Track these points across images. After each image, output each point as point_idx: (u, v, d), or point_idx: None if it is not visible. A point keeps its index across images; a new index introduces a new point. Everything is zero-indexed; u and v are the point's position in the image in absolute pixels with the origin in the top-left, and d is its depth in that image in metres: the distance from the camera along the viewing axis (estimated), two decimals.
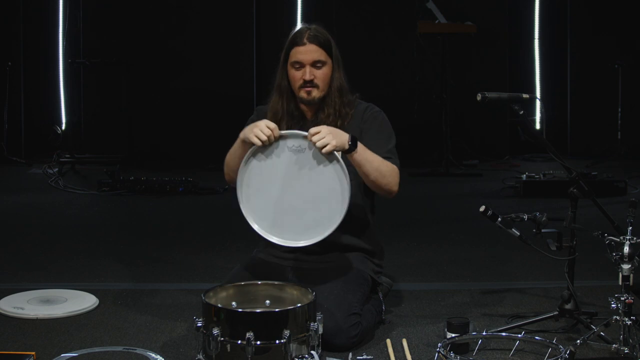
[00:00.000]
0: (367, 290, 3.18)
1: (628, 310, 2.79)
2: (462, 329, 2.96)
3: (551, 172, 6.46)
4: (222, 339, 2.56)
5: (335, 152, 2.87)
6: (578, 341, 2.85)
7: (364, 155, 2.99)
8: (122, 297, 3.65)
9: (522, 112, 3.09)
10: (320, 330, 2.68)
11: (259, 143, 2.90)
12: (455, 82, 7.78)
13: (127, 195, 6.46)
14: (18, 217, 5.78)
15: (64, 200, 6.36)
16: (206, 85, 8.25)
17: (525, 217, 3.06)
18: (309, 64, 3.11)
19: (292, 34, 3.17)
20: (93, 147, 8.24)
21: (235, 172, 3.00)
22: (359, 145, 2.97)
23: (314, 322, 2.66)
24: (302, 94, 3.14)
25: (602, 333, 2.88)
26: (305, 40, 3.11)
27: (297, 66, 3.13)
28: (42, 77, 8.46)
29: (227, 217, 5.47)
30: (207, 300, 2.69)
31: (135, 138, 8.21)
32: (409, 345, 3.00)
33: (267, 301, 2.87)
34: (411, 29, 7.80)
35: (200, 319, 2.64)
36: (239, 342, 2.54)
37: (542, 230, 3.04)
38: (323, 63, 3.13)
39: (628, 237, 2.86)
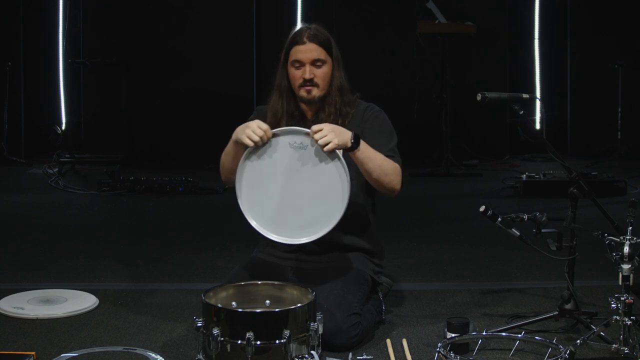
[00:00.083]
0: (367, 290, 3.18)
1: (628, 310, 2.79)
2: (462, 329, 2.96)
3: (551, 172, 6.46)
4: (222, 339, 2.56)
5: (337, 150, 2.88)
6: (578, 341, 2.85)
7: (367, 153, 2.99)
8: (122, 297, 3.65)
9: (522, 112, 3.09)
10: (320, 330, 2.68)
11: (250, 144, 2.90)
12: (455, 82, 7.78)
13: (127, 195, 6.47)
14: (18, 217, 5.78)
15: (64, 200, 6.36)
16: (206, 85, 8.25)
17: (525, 217, 3.06)
18: (309, 63, 3.11)
19: (292, 33, 3.17)
20: (93, 147, 8.24)
21: (230, 172, 3.00)
22: (362, 143, 2.97)
23: (314, 322, 2.66)
24: (302, 93, 3.14)
25: (602, 333, 2.88)
26: (305, 39, 3.11)
27: (297, 65, 3.13)
28: (42, 77, 8.46)
29: (227, 217, 5.47)
30: (207, 300, 2.68)
31: (135, 138, 8.21)
32: (409, 345, 3.00)
33: (267, 301, 2.87)
34: (411, 29, 7.80)
35: (200, 319, 2.64)
36: (239, 342, 2.54)
37: (542, 230, 3.04)
38: (323, 62, 3.13)
39: (628, 237, 2.86)
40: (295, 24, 8.13)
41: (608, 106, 8.19)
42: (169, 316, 3.37)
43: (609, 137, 8.11)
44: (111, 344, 3.03)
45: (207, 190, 6.53)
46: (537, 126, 8.21)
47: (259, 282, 2.91)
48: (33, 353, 2.80)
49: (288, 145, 2.92)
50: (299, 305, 2.67)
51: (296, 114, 3.19)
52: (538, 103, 8.46)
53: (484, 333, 2.98)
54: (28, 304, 3.45)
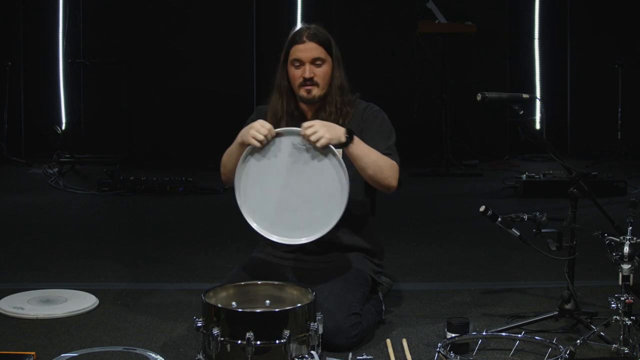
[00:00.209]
0: (367, 290, 3.18)
1: (628, 310, 2.79)
2: (462, 329, 2.96)
3: (551, 172, 6.46)
4: (222, 339, 2.56)
5: (331, 146, 2.87)
6: (578, 341, 2.85)
7: (361, 148, 2.99)
8: (122, 297, 3.65)
9: (522, 112, 3.09)
10: (320, 330, 2.68)
11: (257, 144, 2.90)
12: (455, 82, 7.78)
13: (127, 195, 6.47)
14: (18, 217, 5.78)
15: (64, 200, 6.36)
16: (206, 85, 8.25)
17: (525, 217, 3.05)
18: (309, 62, 3.11)
19: (292, 33, 3.17)
20: (93, 147, 8.24)
21: (232, 172, 2.99)
22: (356, 138, 2.96)
23: (314, 322, 2.66)
24: (302, 92, 3.14)
25: (602, 333, 2.88)
26: (304, 39, 3.11)
27: (297, 64, 3.13)
28: (42, 77, 8.46)
29: (227, 217, 5.47)
30: (207, 300, 2.68)
31: (135, 138, 8.21)
32: (409, 345, 3.00)
33: (267, 301, 2.86)
34: (411, 29, 7.80)
35: (200, 319, 2.64)
36: (239, 342, 2.54)
37: (542, 230, 3.04)
38: (323, 61, 3.13)
39: (628, 237, 2.86)
40: (295, 24, 8.13)
41: (608, 106, 8.19)
42: (169, 316, 3.37)
43: (609, 137, 8.11)
44: (111, 344, 3.03)
45: (207, 190, 6.53)
46: (537, 126, 8.21)
47: (259, 282, 2.91)
48: (33, 353, 2.80)
49: (291, 145, 2.92)
50: (299, 305, 2.67)
51: (296, 114, 3.19)
52: (538, 103, 8.47)
53: (484, 333, 2.98)
54: (28, 304, 3.45)
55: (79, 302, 3.50)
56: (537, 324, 3.16)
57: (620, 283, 2.84)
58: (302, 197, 2.92)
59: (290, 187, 2.93)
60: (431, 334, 3.15)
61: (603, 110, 8.34)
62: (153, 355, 2.91)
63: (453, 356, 2.74)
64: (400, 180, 3.09)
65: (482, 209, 3.05)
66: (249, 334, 2.52)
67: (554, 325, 3.17)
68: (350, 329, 2.94)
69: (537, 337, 2.98)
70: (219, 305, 2.72)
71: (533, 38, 8.62)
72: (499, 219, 3.05)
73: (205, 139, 7.92)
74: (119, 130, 8.16)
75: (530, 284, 3.87)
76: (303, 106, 3.20)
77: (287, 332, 2.56)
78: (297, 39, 3.12)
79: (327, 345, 2.85)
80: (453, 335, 2.94)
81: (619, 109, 8.02)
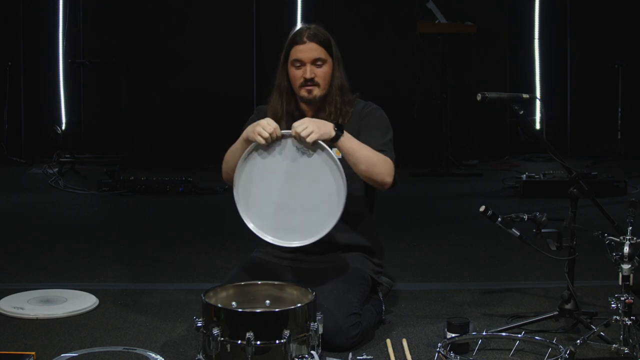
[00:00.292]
0: (367, 290, 3.18)
1: (628, 310, 2.79)
2: (462, 329, 2.96)
3: (551, 172, 6.46)
4: (222, 339, 2.56)
5: (321, 142, 2.87)
6: (578, 341, 2.85)
7: (352, 143, 2.99)
8: (122, 297, 3.65)
9: (522, 112, 3.09)
10: (320, 330, 2.68)
11: (262, 142, 2.90)
12: (455, 82, 7.78)
13: (127, 195, 6.47)
14: (18, 217, 5.78)
15: (64, 200, 6.36)
16: (206, 85, 8.25)
17: (525, 217, 3.05)
18: (310, 62, 3.11)
19: (292, 33, 3.17)
20: (93, 147, 8.24)
21: (234, 169, 2.99)
22: (346, 132, 2.97)
23: (314, 322, 2.66)
24: (303, 92, 3.14)
25: (602, 333, 2.88)
26: (305, 39, 3.11)
27: (298, 65, 3.13)
28: (42, 77, 8.46)
29: (227, 217, 5.43)
30: (207, 300, 2.68)
31: (135, 138, 8.21)
32: (409, 345, 3.00)
33: (267, 301, 2.86)
34: (411, 29, 7.80)
35: (200, 319, 2.64)
36: (239, 342, 2.54)
37: (542, 230, 3.04)
38: (323, 61, 3.13)
39: (628, 237, 2.86)
40: (295, 24, 8.12)
41: (608, 106, 8.19)
42: (169, 316, 3.37)
43: (609, 137, 8.11)
44: (111, 344, 3.03)
45: (207, 190, 6.53)
46: (537, 126, 8.21)
47: (259, 282, 2.91)
48: (33, 353, 2.80)
49: (294, 148, 2.92)
50: (299, 305, 2.67)
51: (296, 114, 3.19)
52: (538, 103, 8.47)
53: (484, 333, 2.98)
54: (28, 304, 3.45)
55: (79, 302, 3.50)
56: (537, 324, 3.16)
57: (620, 283, 2.84)
58: (300, 200, 2.92)
59: (289, 189, 2.93)
60: (431, 334, 3.15)
61: (603, 110, 8.34)
62: (153, 355, 2.91)
63: (453, 356, 2.74)
64: (395, 179, 3.09)
65: (482, 209, 3.05)
66: (249, 334, 2.52)
67: (554, 325, 3.17)
68: (350, 329, 2.94)
69: (537, 337, 2.98)
70: (219, 305, 2.72)
71: (533, 38, 8.62)
72: (499, 219, 3.05)
73: (205, 139, 7.92)
74: (119, 130, 8.16)
75: (530, 284, 3.87)
76: (303, 106, 3.20)
77: (287, 332, 2.56)
78: (298, 39, 3.12)
79: (327, 345, 2.85)
80: (453, 335, 2.94)
81: (619, 109, 8.03)
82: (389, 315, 3.34)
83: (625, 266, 2.83)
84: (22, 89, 8.40)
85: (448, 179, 7.39)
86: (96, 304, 3.51)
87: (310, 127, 2.87)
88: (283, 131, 2.94)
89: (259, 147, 2.94)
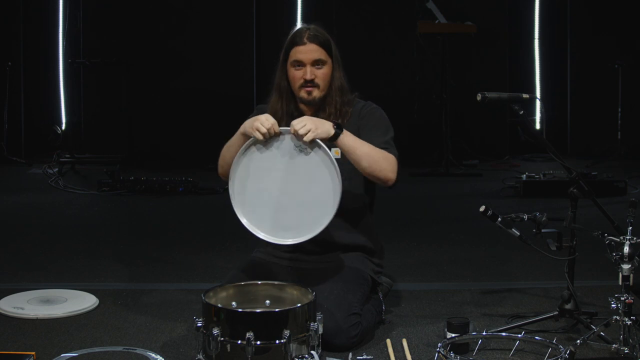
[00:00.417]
0: (367, 290, 3.18)
1: (628, 310, 2.79)
2: (462, 329, 2.96)
3: (551, 172, 6.46)
4: (222, 339, 2.56)
5: (319, 140, 2.87)
6: (578, 341, 2.85)
7: (352, 140, 2.98)
8: (122, 297, 3.65)
9: (522, 112, 3.09)
10: (320, 330, 2.68)
11: (260, 137, 2.89)
12: (455, 82, 7.78)
13: (127, 195, 6.47)
14: (18, 217, 5.78)
15: (64, 200, 6.36)
16: (206, 85, 8.25)
17: (525, 217, 3.05)
18: (310, 64, 3.11)
19: (292, 33, 3.17)
20: (93, 147, 8.24)
21: (230, 165, 2.98)
22: (345, 130, 2.96)
23: (314, 322, 2.66)
24: (303, 93, 3.14)
25: (602, 333, 2.88)
26: (305, 40, 3.11)
27: (298, 66, 3.12)
28: (42, 77, 8.47)
29: (227, 217, 5.41)
30: (207, 300, 2.68)
31: (135, 138, 8.21)
32: (409, 345, 3.00)
33: (267, 301, 2.86)
34: (411, 29, 7.80)
35: (200, 319, 2.64)
36: (239, 342, 2.54)
37: (542, 230, 3.04)
38: (323, 62, 3.13)
39: (628, 237, 2.86)
40: (295, 24, 8.13)
41: (608, 106, 8.19)
42: (169, 316, 3.37)
43: (609, 137, 8.12)
44: (111, 344, 3.03)
45: (207, 190, 6.53)
46: (537, 126, 8.21)
47: (259, 282, 2.91)
48: (33, 353, 2.80)
49: (292, 145, 2.92)
50: (299, 305, 2.67)
51: (296, 114, 3.19)
52: (538, 103, 8.47)
53: (484, 333, 2.98)
54: (28, 304, 3.45)
55: (79, 302, 3.50)
56: (537, 324, 3.15)
57: (620, 283, 2.84)
58: (295, 197, 2.91)
59: (285, 186, 2.92)
60: (431, 334, 3.15)
61: (603, 110, 8.34)
62: (153, 355, 2.91)
63: (453, 356, 2.74)
64: (397, 173, 3.08)
65: (482, 209, 3.05)
66: (249, 334, 2.52)
67: (554, 325, 3.17)
68: (350, 329, 2.94)
69: (537, 337, 2.98)
70: (219, 305, 2.72)
71: (533, 38, 8.62)
72: (499, 219, 3.05)
73: (205, 139, 7.88)
74: (119, 130, 8.16)
75: (530, 284, 3.87)
76: (303, 107, 3.20)
77: (287, 332, 2.55)
78: (298, 40, 3.12)
79: (327, 345, 2.85)
80: (453, 335, 2.94)
81: (619, 109, 8.03)
82: (389, 315, 3.34)
83: (625, 266, 2.83)
84: (22, 89, 8.40)
85: (448, 179, 7.39)
86: (96, 304, 3.51)
87: (309, 125, 2.87)
88: (281, 128, 2.94)
89: (256, 143, 2.93)
